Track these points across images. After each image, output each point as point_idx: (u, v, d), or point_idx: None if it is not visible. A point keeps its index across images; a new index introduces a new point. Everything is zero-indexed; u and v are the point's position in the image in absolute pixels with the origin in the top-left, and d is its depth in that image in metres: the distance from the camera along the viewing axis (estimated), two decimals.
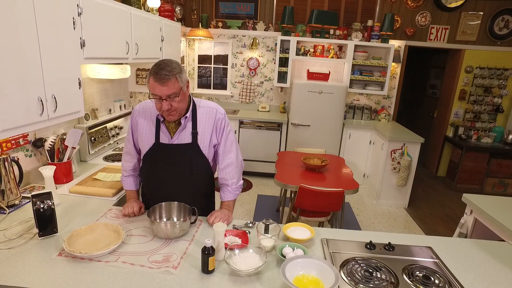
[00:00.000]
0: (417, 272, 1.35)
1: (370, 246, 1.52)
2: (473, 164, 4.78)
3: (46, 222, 1.41)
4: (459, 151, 4.87)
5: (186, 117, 1.56)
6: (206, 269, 1.24)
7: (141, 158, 1.68)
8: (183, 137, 1.58)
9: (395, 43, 4.64)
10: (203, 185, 1.71)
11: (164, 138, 1.59)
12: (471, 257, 1.50)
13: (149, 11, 3.07)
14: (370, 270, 1.33)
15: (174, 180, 1.63)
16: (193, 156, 1.60)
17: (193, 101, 1.62)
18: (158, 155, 1.60)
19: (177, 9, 4.54)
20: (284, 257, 1.34)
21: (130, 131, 1.68)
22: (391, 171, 4.10)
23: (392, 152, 4.02)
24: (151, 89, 1.42)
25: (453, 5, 4.50)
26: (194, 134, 1.58)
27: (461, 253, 1.53)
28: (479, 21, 4.61)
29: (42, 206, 1.38)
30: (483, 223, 1.90)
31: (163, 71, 1.38)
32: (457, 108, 5.06)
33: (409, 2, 4.62)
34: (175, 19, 3.86)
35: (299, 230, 1.56)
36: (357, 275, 1.31)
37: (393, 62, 4.62)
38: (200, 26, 4.69)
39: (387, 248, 1.52)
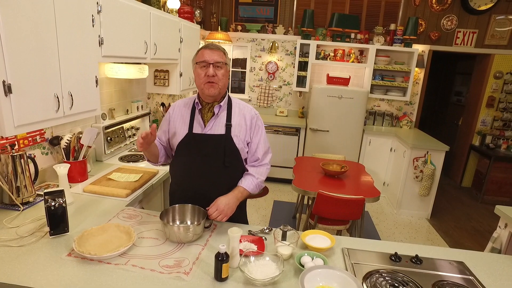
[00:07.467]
0: None
1: (395, 258, 1.41)
2: (502, 175, 4.52)
3: (57, 221, 1.38)
4: (486, 161, 4.62)
5: (220, 105, 1.58)
6: (219, 277, 1.17)
7: (173, 153, 1.68)
8: (217, 127, 1.58)
9: (418, 48, 4.49)
10: (235, 181, 1.65)
11: (198, 128, 1.59)
12: (511, 276, 1.37)
13: (168, 12, 3.06)
14: (396, 285, 1.23)
15: (207, 172, 1.59)
16: (226, 147, 1.57)
17: (229, 96, 1.66)
18: (191, 145, 1.59)
19: (197, 12, 4.56)
20: (303, 266, 1.25)
21: (161, 126, 1.72)
22: (413, 180, 3.92)
23: (415, 160, 3.86)
24: (200, 57, 1.52)
25: (482, 8, 4.29)
26: (228, 126, 1.58)
27: (498, 271, 1.39)
28: (511, 26, 4.38)
29: (53, 204, 1.35)
30: None
31: (213, 45, 1.55)
32: (485, 115, 4.82)
33: (434, 6, 4.45)
34: (195, 22, 3.86)
35: (318, 238, 1.47)
36: None
37: (416, 67, 4.47)
38: (219, 29, 4.68)
39: (414, 261, 1.40)
